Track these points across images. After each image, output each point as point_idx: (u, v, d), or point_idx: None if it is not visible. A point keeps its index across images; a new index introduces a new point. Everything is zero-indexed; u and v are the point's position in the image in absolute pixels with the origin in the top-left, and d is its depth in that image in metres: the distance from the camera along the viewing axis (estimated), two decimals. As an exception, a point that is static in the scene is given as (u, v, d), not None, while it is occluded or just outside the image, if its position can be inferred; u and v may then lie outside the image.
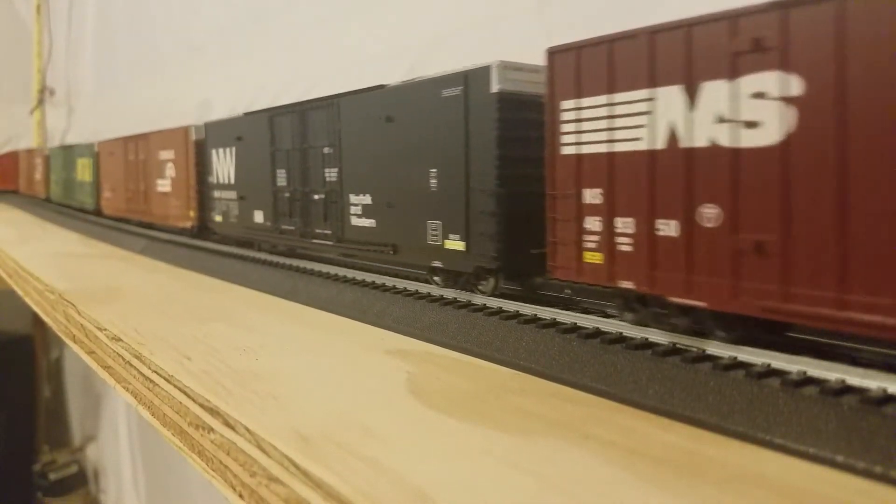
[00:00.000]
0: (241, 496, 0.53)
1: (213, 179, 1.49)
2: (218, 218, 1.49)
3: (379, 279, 1.02)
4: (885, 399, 0.49)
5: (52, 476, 3.28)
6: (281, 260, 1.26)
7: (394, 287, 0.97)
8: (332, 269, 1.12)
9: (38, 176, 3.38)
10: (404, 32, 1.44)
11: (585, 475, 0.46)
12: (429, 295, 0.91)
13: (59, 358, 3.70)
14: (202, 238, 1.59)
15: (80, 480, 3.37)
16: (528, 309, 0.79)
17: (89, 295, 1.12)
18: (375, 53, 1.50)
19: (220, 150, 1.45)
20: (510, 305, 0.81)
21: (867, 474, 0.45)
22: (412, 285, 0.96)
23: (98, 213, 2.39)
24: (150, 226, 1.90)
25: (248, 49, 2.07)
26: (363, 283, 1.02)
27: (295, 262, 1.22)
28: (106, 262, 1.60)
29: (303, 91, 1.61)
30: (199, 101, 2.21)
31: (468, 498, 0.43)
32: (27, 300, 1.42)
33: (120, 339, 0.83)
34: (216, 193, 1.49)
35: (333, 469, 0.47)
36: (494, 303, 0.83)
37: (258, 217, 1.31)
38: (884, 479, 0.44)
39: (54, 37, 4.13)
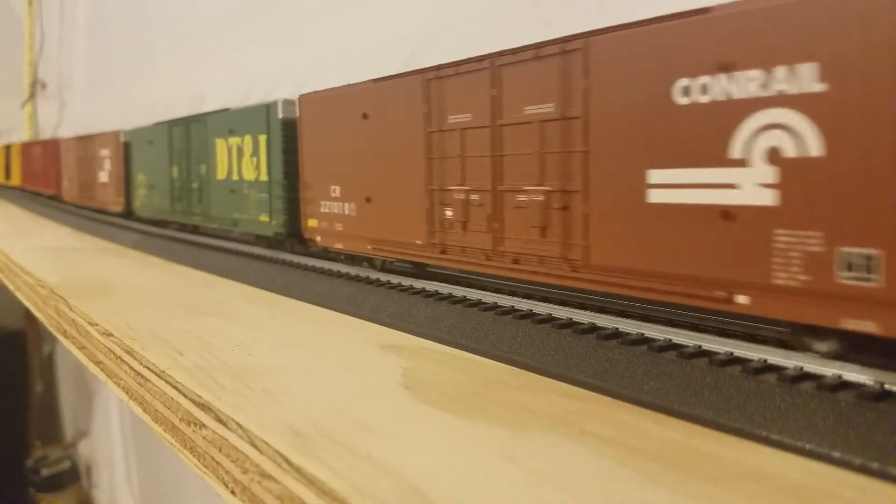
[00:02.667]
0: (233, 493, 0.53)
1: None
2: None
3: (374, 274, 1.01)
4: (883, 395, 0.49)
5: (45, 472, 3.27)
6: (275, 255, 1.25)
7: (388, 282, 0.96)
8: (326, 265, 1.12)
9: (105, 176, 2.16)
10: (401, 24, 1.43)
11: (581, 470, 0.46)
12: (423, 290, 0.90)
13: (52, 353, 3.69)
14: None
15: (73, 476, 3.36)
16: (524, 304, 0.78)
17: (81, 290, 1.11)
18: (371, 46, 1.50)
19: None
20: (506, 301, 0.80)
21: (864, 470, 0.44)
22: (406, 280, 0.96)
23: (283, 243, 1.25)
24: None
25: (243, 41, 2.06)
26: (358, 279, 1.01)
27: (289, 258, 1.22)
28: (98, 257, 1.59)
29: (296, 85, 1.60)
30: (195, 93, 2.19)
31: (463, 493, 0.43)
32: (18, 295, 1.41)
33: (111, 335, 0.82)
34: None
35: (327, 465, 0.46)
36: (490, 298, 0.82)
37: None
38: (881, 475, 0.44)
39: (46, 29, 4.10)
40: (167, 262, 1.46)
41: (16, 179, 3.73)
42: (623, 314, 0.73)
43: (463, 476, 0.45)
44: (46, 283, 1.18)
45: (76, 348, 0.94)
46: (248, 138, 1.30)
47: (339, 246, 1.07)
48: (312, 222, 1.12)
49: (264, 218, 1.25)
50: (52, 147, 2.87)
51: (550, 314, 0.74)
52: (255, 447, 0.51)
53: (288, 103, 1.20)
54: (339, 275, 1.05)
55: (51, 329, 1.12)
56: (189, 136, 1.56)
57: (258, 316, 0.94)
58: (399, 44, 1.36)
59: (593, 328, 0.68)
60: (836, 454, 0.46)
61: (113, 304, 1.00)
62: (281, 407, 0.58)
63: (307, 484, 0.45)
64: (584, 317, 0.72)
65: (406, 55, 1.30)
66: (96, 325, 0.88)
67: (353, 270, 1.05)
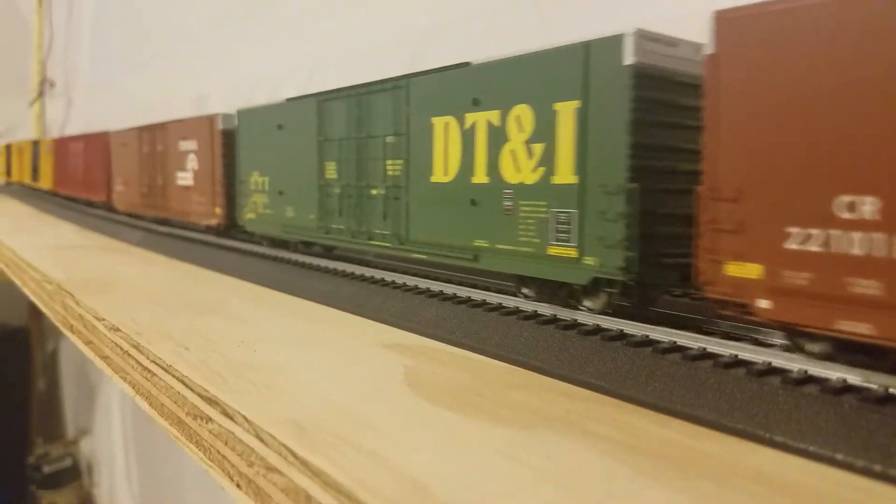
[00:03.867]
0: (238, 486, 0.53)
1: None
2: None
3: (378, 274, 1.02)
4: (886, 398, 0.49)
5: (46, 469, 3.28)
6: (279, 254, 1.26)
7: (392, 282, 0.97)
8: (331, 264, 1.12)
9: (188, 178, 1.58)
10: (400, 24, 1.44)
11: (582, 468, 0.46)
12: (428, 290, 0.90)
13: (55, 351, 3.70)
14: None
15: (74, 473, 3.37)
16: (528, 305, 0.78)
17: (87, 285, 1.12)
18: (371, 46, 1.50)
19: None
20: (510, 302, 0.81)
21: (866, 472, 0.45)
22: (411, 280, 0.96)
23: (603, 297, 0.71)
24: None
25: (243, 40, 2.07)
26: (362, 278, 1.02)
27: (292, 256, 1.22)
28: (104, 254, 1.60)
29: (296, 85, 1.61)
30: (197, 92, 2.20)
31: (465, 488, 0.43)
32: (25, 290, 1.42)
33: (118, 329, 0.83)
34: None
35: (331, 459, 0.46)
36: (494, 299, 0.83)
37: None
38: (883, 477, 0.44)
39: (55, 28, 4.12)
40: (171, 259, 1.47)
41: (45, 182, 3.04)
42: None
43: (466, 473, 0.45)
44: (53, 279, 1.18)
45: (83, 343, 0.95)
46: (522, 110, 0.75)
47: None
48: (748, 270, 0.54)
49: (564, 251, 0.72)
50: (98, 142, 2.21)
51: (555, 315, 0.74)
52: (261, 440, 0.51)
53: (645, 38, 0.64)
54: (343, 274, 1.06)
55: (57, 324, 1.12)
56: (362, 114, 1.00)
57: (263, 314, 0.94)
58: (399, 44, 1.37)
59: (598, 329, 0.68)
60: (839, 456, 0.46)
61: (119, 299, 1.01)
62: (285, 403, 0.58)
63: (312, 477, 0.46)
64: (588, 318, 0.72)
65: (406, 55, 1.30)
66: (103, 319, 0.88)
67: (357, 270, 1.05)
